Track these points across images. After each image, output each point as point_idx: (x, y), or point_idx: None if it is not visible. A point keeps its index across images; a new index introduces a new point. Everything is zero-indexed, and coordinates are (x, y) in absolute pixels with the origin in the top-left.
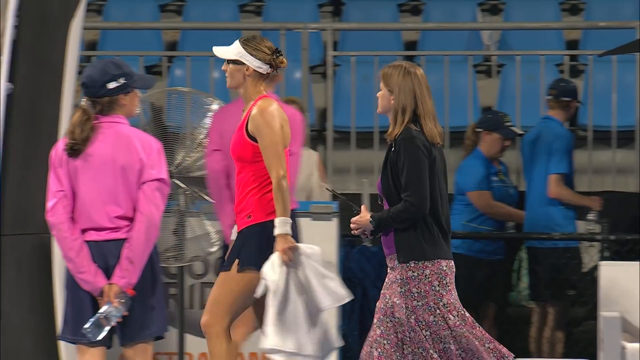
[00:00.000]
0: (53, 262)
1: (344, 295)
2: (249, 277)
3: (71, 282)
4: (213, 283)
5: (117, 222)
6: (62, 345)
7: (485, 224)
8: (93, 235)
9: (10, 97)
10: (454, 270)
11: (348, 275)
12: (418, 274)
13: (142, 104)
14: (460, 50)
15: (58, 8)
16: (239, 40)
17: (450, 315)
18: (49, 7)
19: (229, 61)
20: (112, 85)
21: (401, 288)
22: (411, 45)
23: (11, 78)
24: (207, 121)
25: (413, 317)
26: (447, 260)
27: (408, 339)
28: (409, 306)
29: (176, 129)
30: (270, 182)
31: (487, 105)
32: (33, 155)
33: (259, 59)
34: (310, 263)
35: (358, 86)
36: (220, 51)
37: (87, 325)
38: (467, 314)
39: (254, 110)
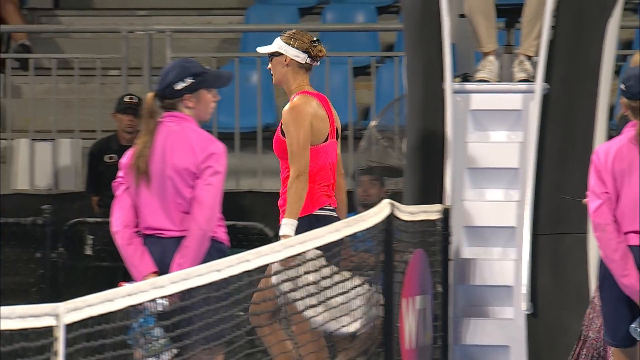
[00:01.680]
0: (589, 262)
1: None
2: None
3: (607, 283)
4: None
5: None
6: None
7: None
8: (635, 240)
9: (546, 97)
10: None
11: None
12: None
13: None
14: None
15: (595, 7)
16: (280, 35)
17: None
18: (587, 7)
19: (271, 57)
20: None
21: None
22: None
23: (547, 78)
24: None
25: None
26: None
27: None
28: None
29: None
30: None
31: None
32: (568, 155)
33: (296, 48)
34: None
35: None
36: (263, 49)
37: (635, 325)
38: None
39: (285, 107)
